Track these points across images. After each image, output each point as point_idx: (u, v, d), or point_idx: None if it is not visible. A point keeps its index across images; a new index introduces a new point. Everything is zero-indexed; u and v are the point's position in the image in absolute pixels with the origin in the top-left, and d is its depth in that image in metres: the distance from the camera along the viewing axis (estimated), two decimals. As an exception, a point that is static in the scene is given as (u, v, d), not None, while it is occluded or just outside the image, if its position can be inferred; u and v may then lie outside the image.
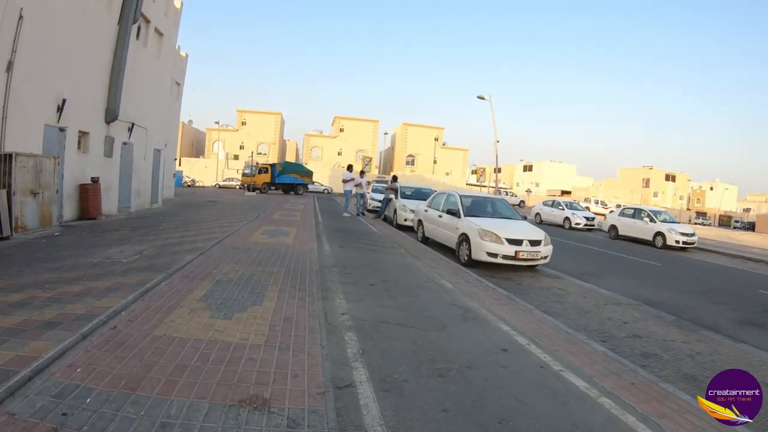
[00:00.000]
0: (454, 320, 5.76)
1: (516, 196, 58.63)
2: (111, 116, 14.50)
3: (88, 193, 13.02)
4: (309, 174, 44.12)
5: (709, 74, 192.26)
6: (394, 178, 19.87)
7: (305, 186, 43.78)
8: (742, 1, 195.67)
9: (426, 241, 13.43)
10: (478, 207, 11.95)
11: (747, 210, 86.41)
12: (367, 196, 26.42)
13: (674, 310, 7.96)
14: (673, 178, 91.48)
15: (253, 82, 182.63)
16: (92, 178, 13.20)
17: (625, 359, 5.04)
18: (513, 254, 9.97)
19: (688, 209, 79.91)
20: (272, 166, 42.07)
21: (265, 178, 40.85)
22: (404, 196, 18.24)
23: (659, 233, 20.12)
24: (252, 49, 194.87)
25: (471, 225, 10.60)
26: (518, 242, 10.15)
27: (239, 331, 4.53)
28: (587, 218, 27.00)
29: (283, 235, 11.57)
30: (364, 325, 5.21)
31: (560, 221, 26.69)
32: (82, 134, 13.25)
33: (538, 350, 4.93)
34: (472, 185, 70.94)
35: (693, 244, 20.20)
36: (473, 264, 10.26)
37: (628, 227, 22.11)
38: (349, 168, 20.45)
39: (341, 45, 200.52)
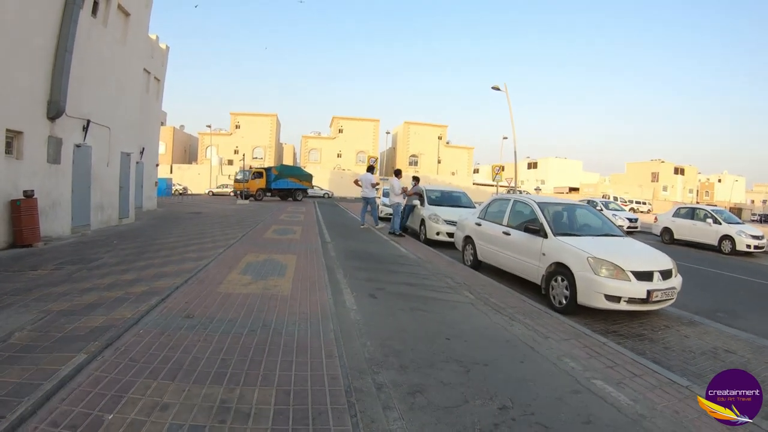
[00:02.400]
0: None
1: (528, 193, 55.03)
2: (55, 111, 11.08)
3: (20, 212, 9.66)
4: (308, 178, 40.31)
5: (713, 66, 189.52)
6: (416, 180, 16.08)
7: (304, 191, 40.05)
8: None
9: (478, 265, 9.80)
10: (570, 220, 8.34)
11: (764, 201, 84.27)
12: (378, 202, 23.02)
13: None
14: (682, 171, 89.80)
15: (246, 84, 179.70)
16: (25, 191, 9.83)
17: None
18: (645, 296, 6.33)
19: (697, 202, 77.55)
20: (267, 170, 38.08)
21: (260, 183, 36.90)
22: (431, 202, 14.57)
23: (727, 236, 17.19)
24: (244, 51, 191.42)
25: (572, 251, 6.89)
26: (648, 276, 6.56)
27: None
28: (630, 219, 24.82)
29: (275, 273, 7.52)
30: None
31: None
32: (13, 134, 9.95)
33: None
34: (480, 185, 67.96)
35: (763, 248, 17.10)
36: (572, 310, 6.64)
37: (686, 230, 19.03)
38: (371, 169, 16.91)
39: (337, 44, 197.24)
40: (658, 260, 7.10)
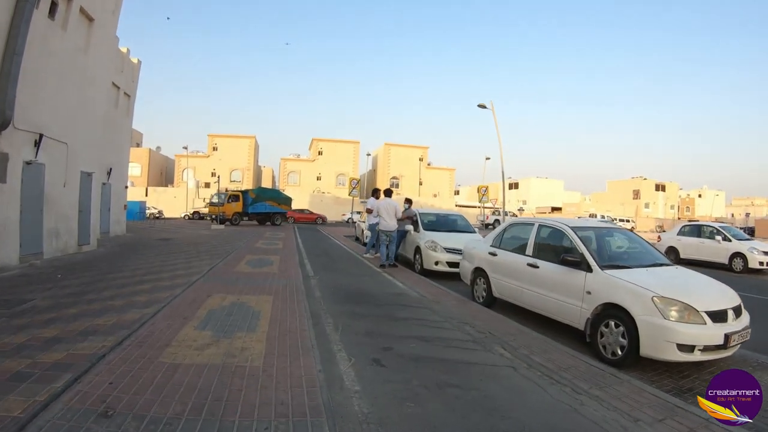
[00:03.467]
0: None
1: (516, 215, 53.91)
2: (-1, 121, 9.55)
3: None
4: (287, 201, 38.48)
5: (691, 80, 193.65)
6: (408, 202, 14.44)
7: (283, 215, 38.21)
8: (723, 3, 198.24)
9: (493, 302, 8.26)
10: (612, 247, 6.92)
11: (747, 215, 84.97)
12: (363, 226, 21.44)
13: None
14: (663, 188, 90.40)
15: (224, 105, 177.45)
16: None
17: None
18: (722, 341, 4.96)
19: (679, 218, 78.43)
20: (244, 193, 36.04)
21: (236, 207, 34.81)
22: (426, 227, 12.99)
23: (738, 254, 16.12)
24: (222, 72, 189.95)
25: (629, 288, 5.37)
26: (722, 316, 5.19)
27: None
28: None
29: (244, 326, 5.73)
30: None
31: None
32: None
33: None
34: (462, 206, 66.76)
35: (775, 265, 16.15)
36: (631, 363, 5.18)
37: (694, 249, 17.71)
38: (375, 193, 14.55)
39: (316, 64, 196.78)
40: (727, 294, 5.70)
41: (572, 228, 6.81)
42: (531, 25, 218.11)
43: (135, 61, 24.21)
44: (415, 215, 13.23)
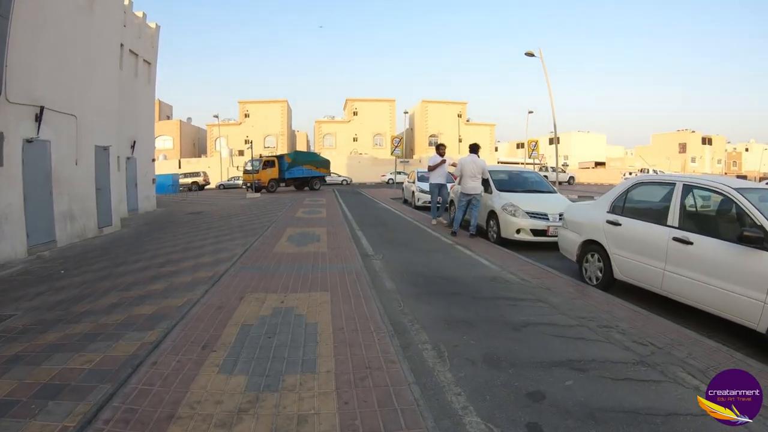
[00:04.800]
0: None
1: (564, 171, 50.55)
2: (-12, 92, 8.00)
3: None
4: (325, 164, 36.30)
5: (738, 28, 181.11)
6: (442, 147, 12.18)
7: (322, 179, 36.13)
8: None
9: (611, 284, 6.26)
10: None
11: None
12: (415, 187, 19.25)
13: None
14: (710, 141, 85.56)
15: (254, 70, 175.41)
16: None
17: None
18: None
19: (726, 173, 74.41)
20: (279, 157, 33.99)
21: (272, 173, 32.83)
22: (497, 186, 10.73)
23: None
24: (251, 37, 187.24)
25: None
26: None
27: None
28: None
29: (294, 357, 3.69)
30: None
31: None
32: None
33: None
34: (506, 163, 63.58)
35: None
36: None
37: None
38: (439, 149, 12.50)
39: (347, 22, 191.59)
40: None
41: (736, 189, 4.67)
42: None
43: (153, 26, 22.05)
44: (488, 175, 10.91)
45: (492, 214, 10.24)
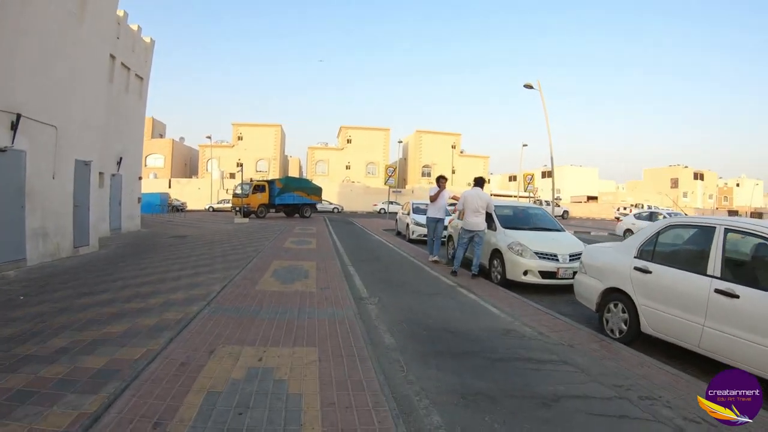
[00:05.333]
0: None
1: (558, 205, 50.18)
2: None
3: None
4: (317, 191, 35.57)
5: (728, 66, 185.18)
6: (443, 180, 11.51)
7: (313, 206, 35.39)
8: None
9: (635, 338, 5.59)
10: None
11: None
12: (410, 220, 18.44)
13: None
14: (702, 177, 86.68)
15: (249, 94, 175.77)
16: None
17: None
18: None
19: (717, 208, 75.82)
20: (270, 182, 33.23)
21: (262, 198, 32.00)
22: (502, 223, 9.95)
23: None
24: (247, 60, 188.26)
25: None
26: None
27: None
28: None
29: None
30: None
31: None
32: None
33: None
34: (498, 196, 63.19)
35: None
36: None
37: None
38: (439, 181, 11.75)
39: (344, 51, 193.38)
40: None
41: None
42: (563, 12, 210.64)
43: (148, 40, 21.44)
44: (492, 208, 10.14)
45: (496, 253, 9.47)
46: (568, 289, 9.15)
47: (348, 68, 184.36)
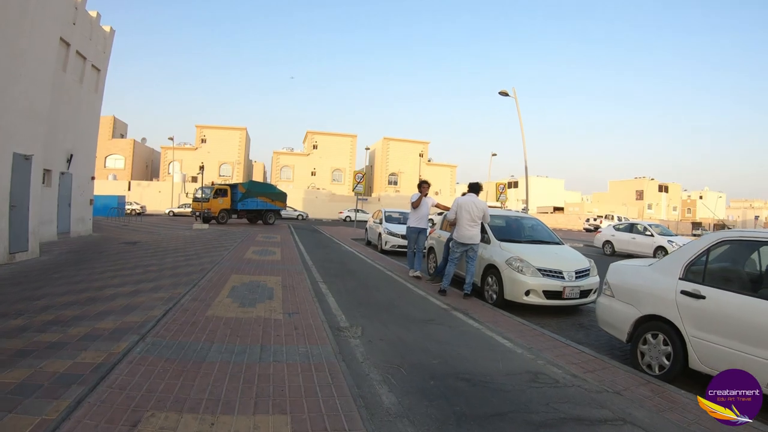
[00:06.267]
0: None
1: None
2: None
3: None
4: (282, 197, 33.87)
5: (693, 79, 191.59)
6: (425, 185, 10.28)
7: (277, 213, 33.77)
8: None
9: (677, 375, 4.63)
10: None
11: (756, 217, 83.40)
12: (381, 230, 17.16)
13: None
14: (666, 189, 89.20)
15: (214, 96, 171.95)
16: None
17: None
18: None
19: (681, 220, 77.54)
20: (233, 186, 31.14)
21: (224, 203, 29.91)
22: (496, 235, 8.81)
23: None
24: (214, 62, 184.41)
25: None
26: None
27: None
28: (690, 246, 20.22)
29: None
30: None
31: (648, 252, 19.57)
32: None
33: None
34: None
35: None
36: None
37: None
38: (421, 187, 10.42)
39: (312, 55, 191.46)
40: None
41: None
42: (535, 20, 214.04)
43: (107, 29, 19.58)
44: (488, 219, 8.90)
45: (491, 270, 8.30)
46: (570, 310, 8.10)
47: (316, 73, 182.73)
